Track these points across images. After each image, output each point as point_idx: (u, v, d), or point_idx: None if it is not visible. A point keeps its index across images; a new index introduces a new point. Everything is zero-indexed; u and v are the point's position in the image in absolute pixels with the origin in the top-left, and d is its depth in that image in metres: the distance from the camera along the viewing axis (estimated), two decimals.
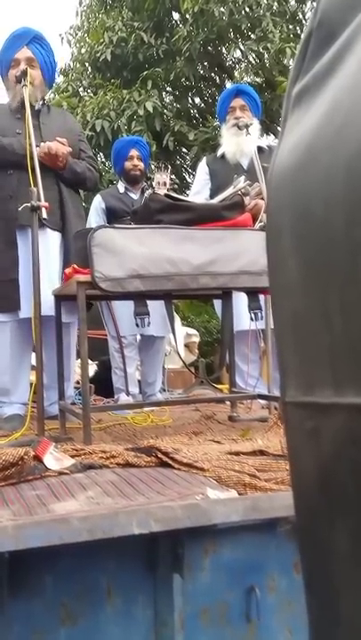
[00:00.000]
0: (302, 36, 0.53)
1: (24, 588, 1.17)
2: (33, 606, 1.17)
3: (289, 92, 0.52)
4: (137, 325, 2.12)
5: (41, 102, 2.72)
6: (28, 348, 2.72)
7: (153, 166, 5.90)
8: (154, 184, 2.48)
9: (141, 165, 3.52)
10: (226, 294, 2.55)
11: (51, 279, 2.55)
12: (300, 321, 0.44)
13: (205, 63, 9.61)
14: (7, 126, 2.65)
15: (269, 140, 3.89)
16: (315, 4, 0.55)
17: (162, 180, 2.80)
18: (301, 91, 0.50)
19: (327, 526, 0.42)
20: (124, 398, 3.29)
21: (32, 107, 2.53)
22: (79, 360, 2.32)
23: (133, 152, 3.50)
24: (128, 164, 3.49)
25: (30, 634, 1.17)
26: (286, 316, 0.46)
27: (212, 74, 10.07)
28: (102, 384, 3.71)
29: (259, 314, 2.33)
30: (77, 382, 3.08)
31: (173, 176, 9.76)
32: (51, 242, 2.66)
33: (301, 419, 0.45)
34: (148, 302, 2.15)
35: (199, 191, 3.36)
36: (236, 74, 9.47)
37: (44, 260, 2.54)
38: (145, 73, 8.75)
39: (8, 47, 2.72)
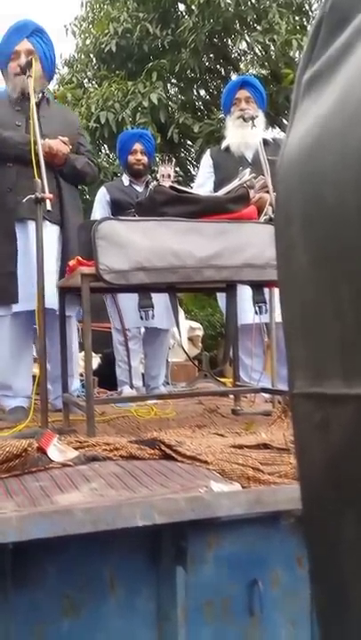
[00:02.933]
0: (313, 21, 0.52)
1: (28, 580, 1.17)
2: (36, 597, 1.18)
3: (299, 79, 0.51)
4: (141, 318, 2.11)
5: (40, 95, 2.71)
6: (28, 341, 2.71)
7: (158, 158, 5.87)
8: (158, 177, 2.46)
9: (145, 160, 3.50)
10: (230, 287, 2.54)
11: (50, 272, 2.54)
12: (309, 310, 0.43)
13: (211, 55, 9.56)
14: (6, 118, 2.64)
15: (275, 133, 3.87)
16: None
17: (166, 173, 2.78)
18: (312, 77, 0.49)
19: (335, 517, 0.41)
20: (127, 391, 3.29)
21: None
22: (83, 353, 2.32)
23: (137, 146, 3.48)
24: (131, 158, 3.47)
25: (33, 624, 1.17)
26: (295, 305, 0.46)
27: (218, 66, 10.01)
28: (106, 377, 3.71)
29: (263, 307, 2.32)
30: (81, 375, 3.08)
31: (178, 168, 9.73)
32: (50, 235, 2.65)
33: (310, 410, 0.44)
34: (153, 295, 2.14)
35: (203, 184, 3.34)
36: (241, 66, 9.42)
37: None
38: (150, 64, 8.71)
39: (8, 39, 2.71)
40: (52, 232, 2.67)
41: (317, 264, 0.41)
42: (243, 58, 9.81)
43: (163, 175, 2.77)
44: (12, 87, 2.69)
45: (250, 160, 3.16)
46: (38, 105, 2.69)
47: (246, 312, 2.76)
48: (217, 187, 3.04)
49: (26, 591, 1.17)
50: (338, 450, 0.41)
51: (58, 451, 1.60)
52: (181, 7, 9.35)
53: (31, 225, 2.48)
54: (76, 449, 1.66)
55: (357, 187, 0.36)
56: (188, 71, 9.32)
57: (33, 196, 2.21)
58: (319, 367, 0.43)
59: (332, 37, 0.47)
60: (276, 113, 8.23)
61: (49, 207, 2.24)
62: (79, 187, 2.96)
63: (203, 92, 10.37)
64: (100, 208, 3.44)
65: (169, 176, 2.77)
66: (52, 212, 2.60)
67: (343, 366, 0.40)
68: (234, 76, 9.01)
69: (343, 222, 0.37)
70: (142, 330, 3.39)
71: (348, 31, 0.44)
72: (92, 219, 3.29)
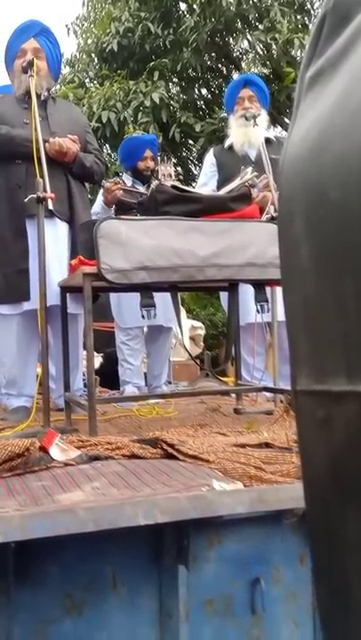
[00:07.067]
0: (316, 18, 0.52)
1: (30, 578, 1.17)
2: (39, 596, 1.18)
3: (302, 75, 0.51)
4: (143, 317, 2.11)
5: (46, 92, 2.72)
6: (36, 340, 2.71)
7: (158, 157, 5.86)
8: (159, 176, 2.46)
9: (152, 165, 3.53)
10: (232, 286, 2.54)
11: (61, 269, 2.55)
12: (312, 308, 0.43)
13: (212, 54, 9.54)
14: (14, 116, 2.65)
15: (277, 132, 3.87)
16: None
17: (167, 172, 2.78)
18: (315, 74, 0.49)
19: (339, 515, 0.41)
20: (129, 390, 3.29)
21: (38, 96, 2.53)
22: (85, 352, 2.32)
23: (148, 153, 3.50)
24: (142, 165, 3.49)
25: (36, 623, 1.18)
26: (298, 303, 0.46)
27: (219, 65, 10.00)
28: (108, 376, 3.71)
29: (265, 306, 2.32)
30: (83, 374, 3.08)
31: (180, 168, 9.73)
32: (60, 231, 2.66)
33: (313, 407, 0.44)
34: (157, 292, 2.14)
35: (206, 183, 3.34)
36: (243, 65, 9.40)
37: (53, 250, 2.54)
38: (151, 64, 8.70)
39: (15, 38, 2.74)
40: (62, 229, 2.68)
41: (321, 260, 0.41)
42: (244, 57, 9.78)
43: (164, 175, 2.77)
44: (17, 85, 2.70)
45: (253, 159, 3.16)
46: (45, 103, 2.70)
47: (248, 311, 2.76)
48: (220, 185, 3.04)
49: (28, 590, 1.17)
50: (341, 447, 0.40)
51: (60, 450, 1.60)
52: (183, 6, 9.33)
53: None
54: (78, 448, 1.66)
55: None
56: (190, 70, 9.30)
57: (35, 195, 2.22)
58: (322, 364, 0.43)
59: (334, 35, 0.47)
60: (279, 112, 8.22)
61: (51, 206, 2.24)
62: (85, 184, 2.96)
63: (204, 91, 10.35)
64: (102, 210, 3.43)
65: (170, 175, 2.77)
66: (62, 210, 2.60)
67: (346, 363, 0.40)
68: (235, 75, 8.99)
69: (347, 219, 0.37)
70: (145, 329, 3.39)
71: (350, 29, 0.44)
72: (93, 217, 3.30)
